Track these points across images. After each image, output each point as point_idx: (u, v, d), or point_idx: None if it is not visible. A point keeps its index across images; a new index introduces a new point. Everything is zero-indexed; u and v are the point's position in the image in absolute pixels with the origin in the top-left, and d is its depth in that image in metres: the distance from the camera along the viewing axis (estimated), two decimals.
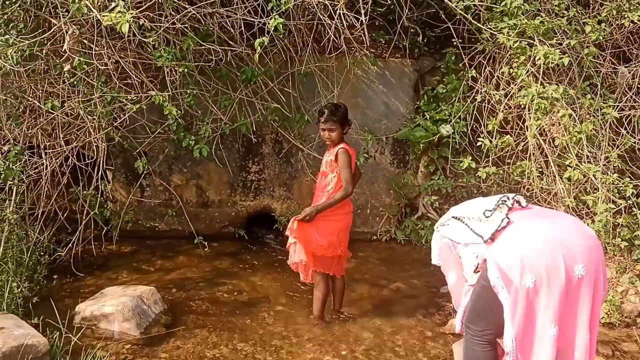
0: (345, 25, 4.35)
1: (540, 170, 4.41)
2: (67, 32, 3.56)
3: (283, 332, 3.77)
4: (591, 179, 4.03)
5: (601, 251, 2.52)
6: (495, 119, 4.44)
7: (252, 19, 4.27)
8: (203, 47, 4.25)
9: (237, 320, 3.88)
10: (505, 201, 2.58)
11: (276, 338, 3.68)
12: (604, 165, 4.16)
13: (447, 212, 2.88)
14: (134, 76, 4.04)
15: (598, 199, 3.94)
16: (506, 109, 4.51)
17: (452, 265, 2.80)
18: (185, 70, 4.16)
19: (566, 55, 4.02)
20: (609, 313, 3.87)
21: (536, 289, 2.35)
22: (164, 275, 4.56)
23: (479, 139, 4.57)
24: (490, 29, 4.34)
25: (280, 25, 3.90)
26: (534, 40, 4.14)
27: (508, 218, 2.50)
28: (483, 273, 2.53)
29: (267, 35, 3.96)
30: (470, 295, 2.66)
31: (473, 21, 4.41)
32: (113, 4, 3.43)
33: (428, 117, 5.23)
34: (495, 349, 2.66)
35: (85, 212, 4.46)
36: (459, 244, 2.66)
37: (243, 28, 4.39)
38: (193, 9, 4.01)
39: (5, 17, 3.82)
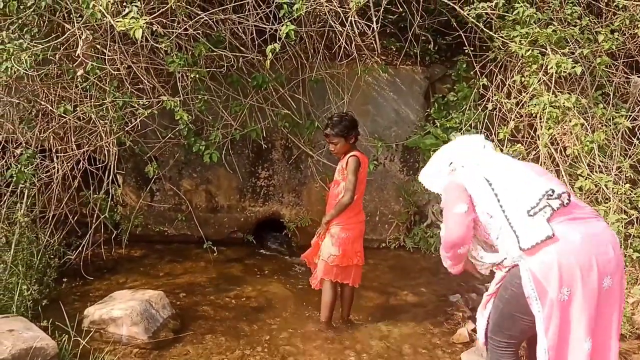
0: (356, 33, 4.36)
1: None
2: (80, 37, 3.59)
3: (290, 338, 3.76)
4: (603, 189, 4.00)
5: (622, 261, 2.47)
6: (507, 128, 4.41)
7: (264, 26, 4.29)
8: (215, 53, 4.27)
9: (245, 326, 3.88)
10: (550, 202, 2.39)
11: (283, 344, 3.67)
12: (615, 175, 4.14)
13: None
14: (146, 81, 4.06)
15: (610, 209, 3.91)
16: (517, 118, 4.49)
17: (463, 199, 2.62)
18: (197, 76, 4.18)
19: (578, 64, 4.01)
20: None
21: (570, 301, 2.30)
22: (172, 280, 4.57)
23: None
24: (502, 37, 4.33)
25: (292, 32, 3.92)
26: (546, 49, 4.13)
27: (552, 228, 2.34)
28: (511, 279, 2.47)
29: (278, 42, 3.97)
30: (494, 305, 2.60)
31: (485, 29, 4.40)
32: (126, 10, 3.45)
33: (438, 124, 5.22)
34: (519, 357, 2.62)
35: (95, 215, 4.47)
36: (490, 222, 2.54)
37: (255, 34, 4.41)
38: (206, 15, 4.03)
39: (19, 21, 3.85)
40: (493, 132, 4.71)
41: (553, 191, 2.40)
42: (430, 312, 4.28)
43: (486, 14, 4.41)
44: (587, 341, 2.31)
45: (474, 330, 3.93)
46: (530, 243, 2.35)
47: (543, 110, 4.02)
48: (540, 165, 4.33)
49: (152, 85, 4.16)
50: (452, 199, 2.66)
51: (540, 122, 4.18)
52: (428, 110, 5.38)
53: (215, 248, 4.90)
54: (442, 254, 2.78)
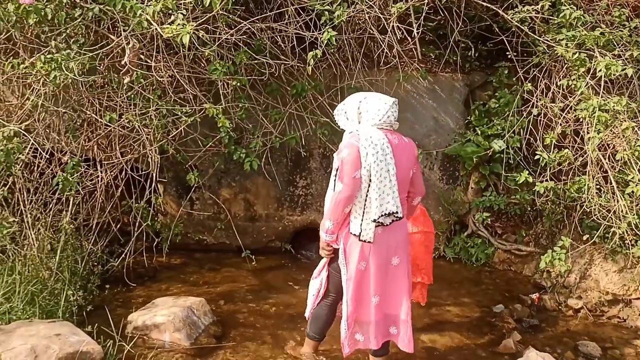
0: (397, 39, 4.33)
1: (599, 187, 4.24)
2: (127, 45, 3.65)
3: (331, 345, 3.69)
4: None
5: (407, 247, 3.15)
6: (554, 133, 4.30)
7: (304, 34, 4.30)
8: (255, 62, 4.29)
9: (286, 334, 3.85)
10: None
11: (323, 350, 3.62)
12: None
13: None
14: (188, 90, 4.11)
15: None
16: (564, 123, 4.38)
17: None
18: (238, 84, 4.20)
19: (629, 66, 3.89)
20: None
21: (367, 270, 3.05)
22: (212, 288, 4.57)
23: (536, 152, 4.44)
24: (547, 41, 4.24)
25: (333, 38, 3.92)
26: (594, 52, 4.02)
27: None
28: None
29: (319, 49, 3.98)
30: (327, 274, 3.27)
31: (530, 33, 4.31)
32: (172, 18, 3.50)
33: (479, 132, 5.13)
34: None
35: (137, 224, 4.52)
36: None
37: (295, 42, 4.43)
38: (247, 23, 4.07)
39: (67, 31, 3.95)
40: (538, 138, 4.60)
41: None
42: (473, 323, 4.19)
43: (530, 18, 4.33)
44: (375, 297, 3.09)
45: (520, 342, 3.85)
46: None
47: (592, 114, 3.91)
48: (588, 172, 4.21)
49: (194, 94, 4.21)
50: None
51: (587, 127, 4.06)
52: (468, 117, 5.30)
53: (253, 257, 4.90)
54: (333, 212, 3.04)
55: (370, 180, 2.90)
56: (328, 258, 3.19)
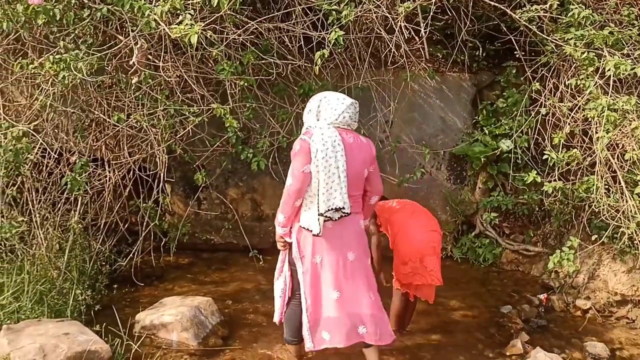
0: (404, 39, 4.32)
1: (607, 187, 4.22)
2: (135, 46, 3.67)
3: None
4: None
5: (362, 243, 3.22)
6: (562, 132, 4.28)
7: (311, 34, 4.30)
8: (262, 62, 4.30)
9: None
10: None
11: (330, 351, 3.61)
12: None
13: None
14: (196, 90, 4.12)
15: None
16: (572, 122, 4.35)
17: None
18: (245, 84, 4.21)
19: (638, 66, 3.86)
20: None
21: (321, 264, 3.11)
22: (219, 288, 4.59)
23: (544, 152, 4.42)
24: (555, 40, 4.21)
25: (340, 38, 3.91)
26: (603, 51, 4.00)
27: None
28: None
29: (327, 48, 3.97)
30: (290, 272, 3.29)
31: (538, 32, 4.29)
32: (180, 18, 3.51)
33: (487, 131, 5.12)
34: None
35: (145, 224, 4.53)
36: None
37: (302, 42, 4.43)
38: (255, 23, 4.07)
39: (75, 32, 3.97)
40: (546, 138, 4.58)
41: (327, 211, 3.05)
42: (481, 324, 4.17)
43: (538, 17, 4.31)
44: (334, 292, 3.12)
45: (528, 342, 3.83)
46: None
47: (600, 113, 3.88)
48: (596, 172, 4.19)
49: (201, 94, 4.22)
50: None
51: (596, 127, 4.04)
52: (476, 117, 5.29)
53: (261, 256, 4.90)
54: (283, 204, 3.15)
55: (319, 175, 2.99)
56: (284, 255, 3.29)
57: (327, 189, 2.99)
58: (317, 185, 3.01)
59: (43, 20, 3.65)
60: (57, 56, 3.65)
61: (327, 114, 3.08)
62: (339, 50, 4.47)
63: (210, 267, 5.02)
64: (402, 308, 3.82)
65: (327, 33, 4.11)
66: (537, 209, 5.19)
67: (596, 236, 4.27)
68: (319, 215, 3.02)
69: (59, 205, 4.22)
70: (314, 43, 4.34)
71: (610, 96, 3.95)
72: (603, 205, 4.14)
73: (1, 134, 3.72)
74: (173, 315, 3.64)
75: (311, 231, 3.07)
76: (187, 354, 3.50)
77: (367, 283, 3.21)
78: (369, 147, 3.20)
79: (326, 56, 3.96)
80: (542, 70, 4.72)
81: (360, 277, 3.19)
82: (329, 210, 3.01)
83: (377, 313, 3.21)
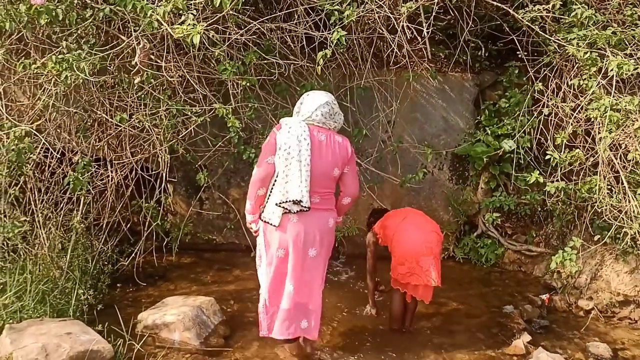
0: (406, 39, 4.32)
1: (610, 187, 4.21)
2: (137, 46, 3.67)
3: (341, 345, 3.72)
4: None
5: (326, 239, 3.30)
6: (564, 133, 4.27)
7: (313, 34, 4.30)
8: (264, 62, 4.30)
9: None
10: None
11: (333, 351, 3.62)
12: None
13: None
14: (198, 90, 4.12)
15: None
16: (575, 123, 4.35)
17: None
18: (247, 84, 4.21)
19: None
20: None
21: (285, 257, 3.25)
22: (221, 287, 4.59)
23: (547, 152, 4.41)
24: (558, 40, 4.21)
25: (342, 38, 3.91)
26: (605, 52, 3.99)
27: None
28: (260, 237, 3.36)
29: (329, 48, 3.97)
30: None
31: (540, 32, 4.28)
32: (182, 18, 3.51)
33: (489, 132, 5.11)
34: None
35: (147, 223, 4.54)
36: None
37: (304, 42, 4.42)
38: (257, 23, 4.07)
39: (78, 32, 3.97)
40: (549, 138, 4.57)
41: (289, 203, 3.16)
42: (483, 323, 4.18)
43: (541, 17, 4.31)
44: (290, 284, 3.26)
45: (530, 342, 3.83)
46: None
47: (603, 113, 3.87)
48: (599, 173, 4.18)
49: (203, 94, 4.22)
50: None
51: (599, 127, 4.03)
52: (478, 117, 5.28)
53: None
54: (249, 192, 3.28)
55: (279, 167, 3.14)
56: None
57: (287, 181, 3.11)
58: (277, 176, 3.16)
59: (45, 20, 3.65)
60: (59, 56, 3.66)
61: (303, 110, 3.26)
62: (341, 50, 4.47)
63: (212, 267, 5.02)
64: (401, 308, 3.85)
65: (329, 33, 4.11)
66: (539, 209, 5.18)
67: (599, 236, 4.26)
68: (275, 205, 3.14)
69: (61, 205, 4.23)
70: (316, 43, 4.34)
71: (613, 96, 3.94)
72: (605, 206, 4.13)
73: (4, 133, 3.73)
74: (175, 315, 3.64)
75: (266, 220, 3.20)
76: (189, 354, 3.50)
77: (320, 281, 3.36)
78: (345, 147, 3.29)
79: (328, 56, 3.96)
80: (544, 71, 4.71)
81: (315, 273, 3.32)
82: (286, 201, 3.12)
83: (319, 311, 3.39)
